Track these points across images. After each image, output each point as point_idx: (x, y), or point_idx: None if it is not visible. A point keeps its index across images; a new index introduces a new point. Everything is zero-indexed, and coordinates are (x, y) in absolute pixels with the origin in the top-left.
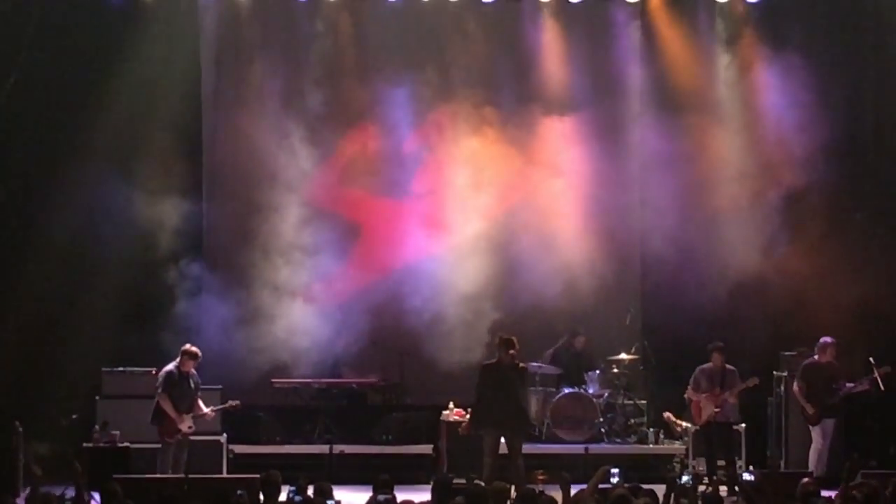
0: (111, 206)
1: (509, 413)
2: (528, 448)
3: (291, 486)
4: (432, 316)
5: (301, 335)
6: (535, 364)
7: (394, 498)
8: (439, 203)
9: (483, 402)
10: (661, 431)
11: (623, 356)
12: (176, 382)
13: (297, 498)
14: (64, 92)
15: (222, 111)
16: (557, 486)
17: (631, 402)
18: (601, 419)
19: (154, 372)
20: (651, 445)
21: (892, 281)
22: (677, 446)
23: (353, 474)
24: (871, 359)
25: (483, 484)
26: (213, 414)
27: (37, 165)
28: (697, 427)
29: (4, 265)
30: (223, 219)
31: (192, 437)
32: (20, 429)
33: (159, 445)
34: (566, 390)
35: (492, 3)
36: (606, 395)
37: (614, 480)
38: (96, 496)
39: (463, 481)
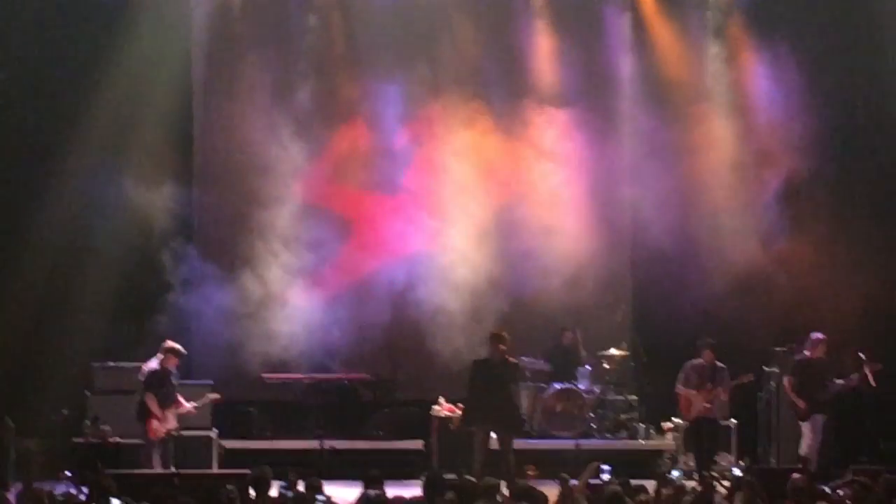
0: (101, 200)
1: (500, 409)
2: (518, 443)
3: (282, 481)
4: (423, 312)
5: (292, 331)
6: (525, 359)
7: (384, 493)
8: (430, 199)
9: (474, 398)
10: (652, 427)
11: (614, 352)
12: (161, 380)
13: (289, 493)
14: (56, 84)
15: (213, 105)
16: (548, 482)
17: (621, 397)
18: (592, 415)
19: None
20: (641, 441)
21: (887, 274)
22: (667, 442)
23: (343, 469)
24: (861, 355)
25: (473, 479)
26: (195, 410)
27: (26, 159)
28: (687, 423)
29: None
30: (214, 213)
31: (183, 433)
32: (11, 424)
33: (143, 442)
34: (556, 386)
35: None
36: (597, 390)
37: (605, 477)
38: (86, 491)
39: (454, 476)
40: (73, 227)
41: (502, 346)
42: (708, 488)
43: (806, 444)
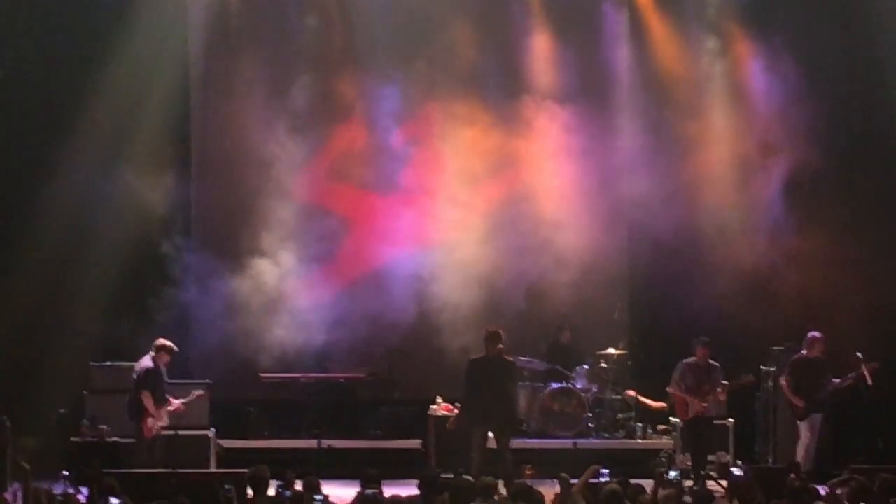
0: (99, 199)
1: (497, 408)
2: (516, 443)
3: (280, 480)
4: (420, 311)
5: (289, 330)
6: (522, 359)
7: (381, 492)
8: (427, 198)
9: (471, 397)
10: (649, 426)
11: (611, 351)
12: (155, 378)
13: (286, 493)
14: (55, 81)
15: (211, 102)
16: (545, 481)
17: (619, 396)
18: (589, 414)
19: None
20: (639, 440)
21: (883, 271)
22: (665, 441)
23: (341, 469)
24: (858, 354)
25: (471, 478)
26: (184, 407)
27: (23, 156)
28: (683, 423)
29: None
30: (212, 212)
31: (180, 432)
32: (8, 423)
33: (135, 441)
34: (554, 385)
35: None
36: (594, 389)
37: (604, 480)
38: (84, 491)
39: (451, 476)
40: (70, 225)
41: (499, 345)
42: (706, 488)
43: (803, 444)
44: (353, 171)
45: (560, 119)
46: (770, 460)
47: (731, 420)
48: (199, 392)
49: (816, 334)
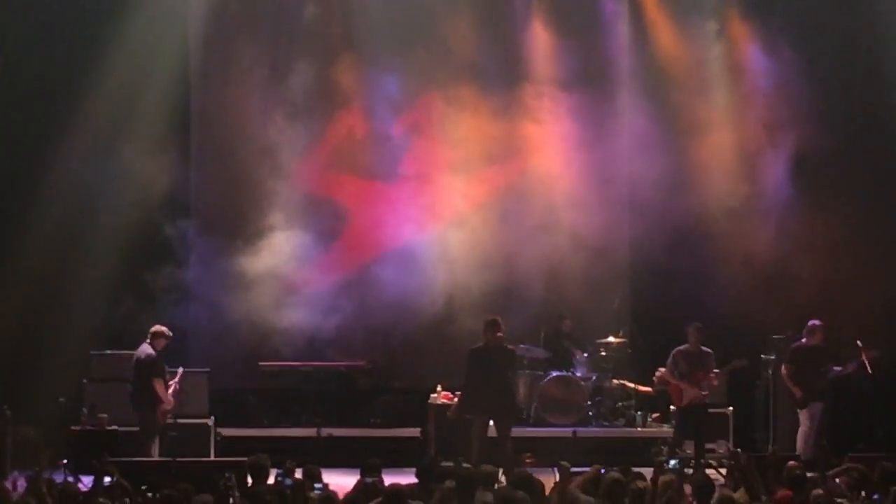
0: (99, 186)
1: (497, 397)
2: (516, 431)
3: (279, 469)
4: (420, 299)
5: (289, 318)
6: (522, 347)
7: (381, 481)
8: (427, 186)
9: (471, 386)
10: (650, 414)
11: (611, 339)
12: (162, 365)
13: (286, 481)
14: (56, 68)
15: (210, 89)
16: (545, 470)
17: (617, 385)
18: (589, 402)
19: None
20: (639, 428)
21: (880, 257)
22: (666, 429)
23: (340, 457)
24: (858, 342)
25: (471, 467)
26: (179, 387)
27: (23, 147)
28: (677, 410)
29: None
30: (212, 198)
31: (180, 421)
32: (8, 412)
33: (141, 430)
34: (554, 373)
35: None
36: (594, 378)
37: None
38: (85, 480)
39: (451, 464)
40: (70, 213)
41: (498, 333)
42: (706, 475)
43: (803, 432)
44: (353, 159)
45: (561, 106)
46: (770, 448)
47: (730, 408)
48: (180, 369)
49: (816, 322)
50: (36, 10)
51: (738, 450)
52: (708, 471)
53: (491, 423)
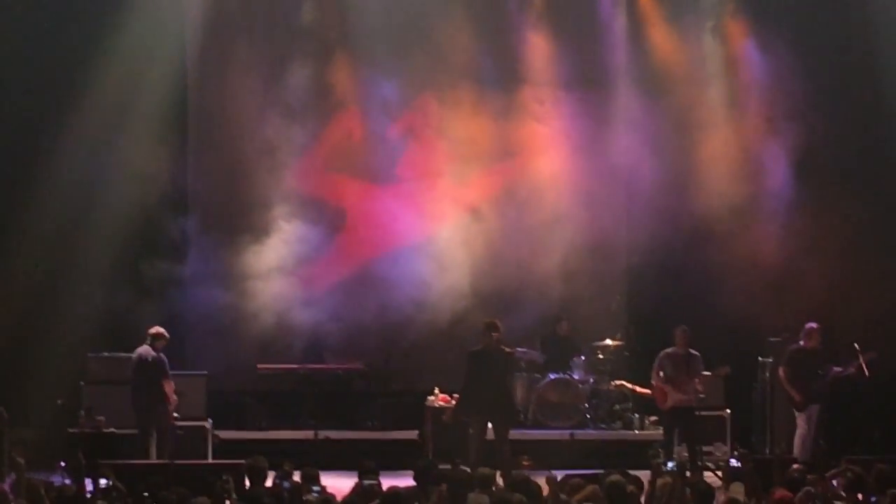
0: (96, 185)
1: (496, 399)
2: (513, 434)
3: (277, 471)
4: (417, 302)
5: (286, 321)
6: (520, 350)
7: (379, 483)
8: (424, 188)
9: (470, 388)
10: (647, 417)
11: (608, 342)
12: (167, 365)
13: (284, 484)
14: (54, 65)
15: (208, 90)
16: (543, 473)
17: (615, 388)
18: (586, 405)
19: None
20: (636, 431)
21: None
22: (662, 432)
23: (338, 460)
24: (855, 344)
25: (468, 470)
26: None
27: (21, 143)
28: (663, 412)
29: None
30: (208, 203)
31: (177, 423)
32: (5, 414)
33: (145, 432)
34: (551, 376)
35: None
36: (591, 380)
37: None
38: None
39: (448, 467)
40: (66, 214)
41: (496, 335)
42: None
43: (800, 435)
44: (351, 160)
45: (558, 107)
46: (767, 451)
47: (728, 411)
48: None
49: (814, 325)
50: (35, 7)
51: (734, 461)
52: (706, 473)
53: (489, 425)
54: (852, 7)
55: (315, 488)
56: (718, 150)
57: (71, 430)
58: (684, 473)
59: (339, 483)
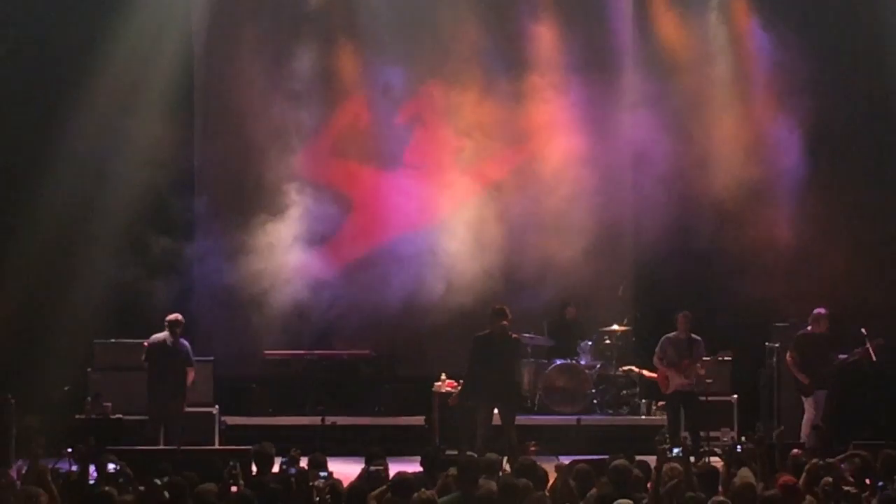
0: (103, 173)
1: (501, 385)
2: (520, 419)
3: (284, 457)
4: (424, 288)
5: (293, 307)
6: (527, 335)
7: (386, 469)
8: (431, 174)
9: (474, 373)
10: (654, 402)
11: (615, 327)
12: None
13: (291, 469)
14: (64, 46)
15: (214, 74)
16: (550, 458)
17: (622, 373)
18: (593, 390)
19: (145, 344)
20: (643, 417)
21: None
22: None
23: (345, 446)
24: (863, 330)
25: (475, 455)
26: None
27: (29, 130)
28: (666, 396)
29: None
30: (215, 189)
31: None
32: (12, 401)
33: (158, 420)
34: (558, 362)
35: None
36: (598, 366)
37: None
38: (92, 469)
39: (455, 453)
40: (75, 200)
41: (504, 322)
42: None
43: (807, 420)
44: (357, 146)
45: (565, 92)
46: (774, 436)
47: (734, 396)
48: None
49: (821, 310)
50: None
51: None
52: (713, 458)
53: (495, 411)
54: (864, 9)
55: (322, 474)
56: (728, 131)
57: (78, 417)
58: (690, 459)
59: (346, 469)
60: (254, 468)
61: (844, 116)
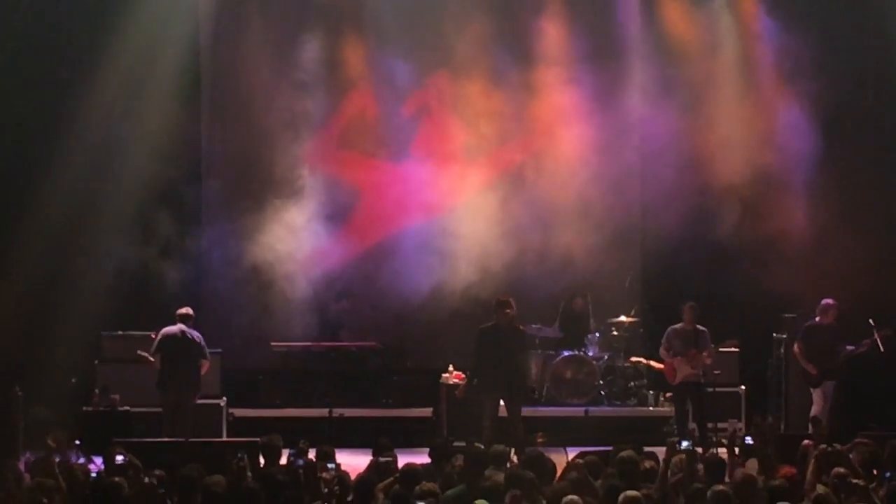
0: (109, 165)
1: (508, 376)
2: (527, 411)
3: (292, 449)
4: (432, 279)
5: (301, 298)
6: (534, 326)
7: (394, 460)
8: (439, 166)
9: (481, 365)
10: (662, 394)
11: (623, 319)
12: None
13: (299, 461)
14: (71, 38)
15: (220, 65)
16: (557, 449)
17: (630, 364)
18: (601, 382)
19: (153, 336)
20: (651, 408)
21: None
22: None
23: (353, 437)
24: (871, 321)
25: (482, 447)
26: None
27: (34, 125)
28: (673, 387)
29: (2, 227)
30: (222, 181)
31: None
32: (20, 393)
33: (173, 411)
34: (566, 353)
35: None
36: (606, 357)
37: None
38: (97, 460)
39: (463, 444)
40: (83, 190)
41: (509, 311)
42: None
43: (816, 410)
44: (364, 138)
45: (573, 83)
46: (782, 427)
47: (742, 387)
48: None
49: (830, 301)
50: None
51: (749, 439)
52: (720, 450)
53: (502, 402)
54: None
55: (330, 465)
56: (733, 122)
57: (85, 409)
58: (698, 450)
59: (354, 461)
60: (261, 460)
61: (854, 99)
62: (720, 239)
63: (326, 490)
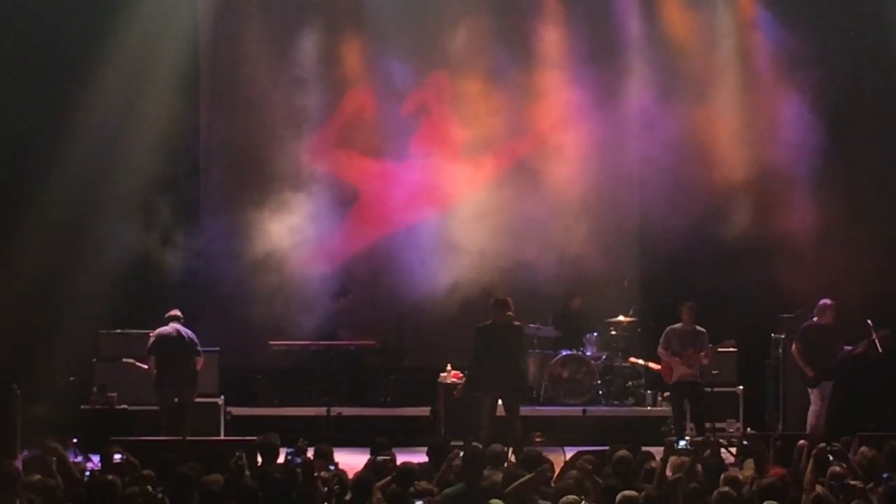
0: (109, 162)
1: (506, 375)
2: (525, 410)
3: (289, 447)
4: (430, 278)
5: (299, 297)
6: (532, 326)
7: (392, 459)
8: (437, 165)
9: (479, 364)
10: (660, 393)
11: (621, 318)
12: None
13: (297, 460)
14: (70, 38)
15: (220, 62)
16: (555, 449)
17: (629, 364)
18: (599, 381)
19: (150, 335)
20: (649, 408)
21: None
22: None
23: (351, 436)
24: (869, 321)
25: (480, 446)
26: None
27: (32, 127)
28: (670, 387)
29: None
30: (220, 178)
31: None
32: (18, 391)
33: (172, 408)
34: (564, 352)
35: None
36: (604, 357)
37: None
38: (95, 459)
39: (460, 443)
40: (82, 185)
41: (507, 312)
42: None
43: (814, 411)
44: (363, 137)
45: (571, 82)
46: (780, 428)
47: (740, 387)
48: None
49: (828, 301)
50: None
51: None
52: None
53: (500, 402)
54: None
55: (331, 467)
56: (732, 121)
57: (83, 407)
58: (697, 450)
59: (352, 459)
60: (259, 459)
61: (856, 94)
62: (720, 239)
63: (325, 489)
